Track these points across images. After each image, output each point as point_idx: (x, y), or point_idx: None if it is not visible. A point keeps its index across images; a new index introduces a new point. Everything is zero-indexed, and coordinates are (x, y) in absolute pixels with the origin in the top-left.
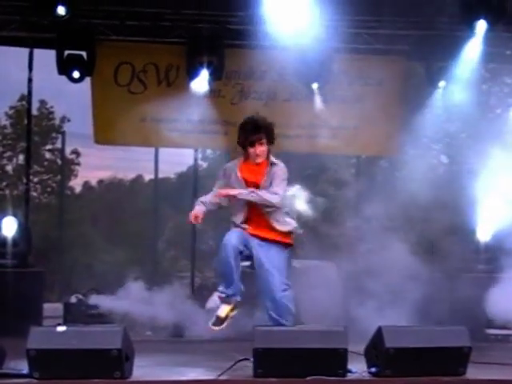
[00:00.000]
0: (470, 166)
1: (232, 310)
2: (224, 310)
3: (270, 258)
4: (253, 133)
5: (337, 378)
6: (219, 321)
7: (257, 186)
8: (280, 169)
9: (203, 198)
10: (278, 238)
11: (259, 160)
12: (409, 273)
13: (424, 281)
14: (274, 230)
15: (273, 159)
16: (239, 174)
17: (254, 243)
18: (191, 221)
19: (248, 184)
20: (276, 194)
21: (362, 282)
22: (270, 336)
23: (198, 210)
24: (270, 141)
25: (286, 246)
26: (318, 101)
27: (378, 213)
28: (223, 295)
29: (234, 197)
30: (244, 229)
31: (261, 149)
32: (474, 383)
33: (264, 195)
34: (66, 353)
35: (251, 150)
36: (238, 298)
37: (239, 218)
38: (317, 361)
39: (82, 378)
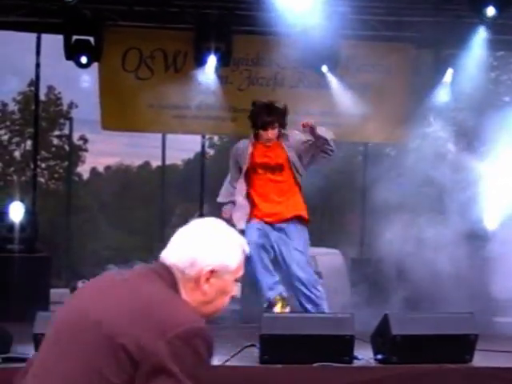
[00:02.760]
0: (477, 155)
1: (283, 306)
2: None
3: (292, 253)
4: (266, 116)
5: (343, 365)
6: None
7: (281, 166)
8: (297, 133)
9: (220, 199)
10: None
11: (270, 143)
12: (416, 260)
13: (431, 267)
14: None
15: (283, 131)
16: (252, 160)
17: (274, 235)
18: None
19: (271, 167)
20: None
21: (369, 269)
22: (277, 322)
23: (225, 212)
24: (282, 125)
25: (305, 222)
26: (325, 87)
27: (386, 199)
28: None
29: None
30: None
31: (272, 132)
32: (480, 371)
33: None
34: None
35: (263, 133)
36: (279, 291)
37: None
38: (323, 347)
39: None
